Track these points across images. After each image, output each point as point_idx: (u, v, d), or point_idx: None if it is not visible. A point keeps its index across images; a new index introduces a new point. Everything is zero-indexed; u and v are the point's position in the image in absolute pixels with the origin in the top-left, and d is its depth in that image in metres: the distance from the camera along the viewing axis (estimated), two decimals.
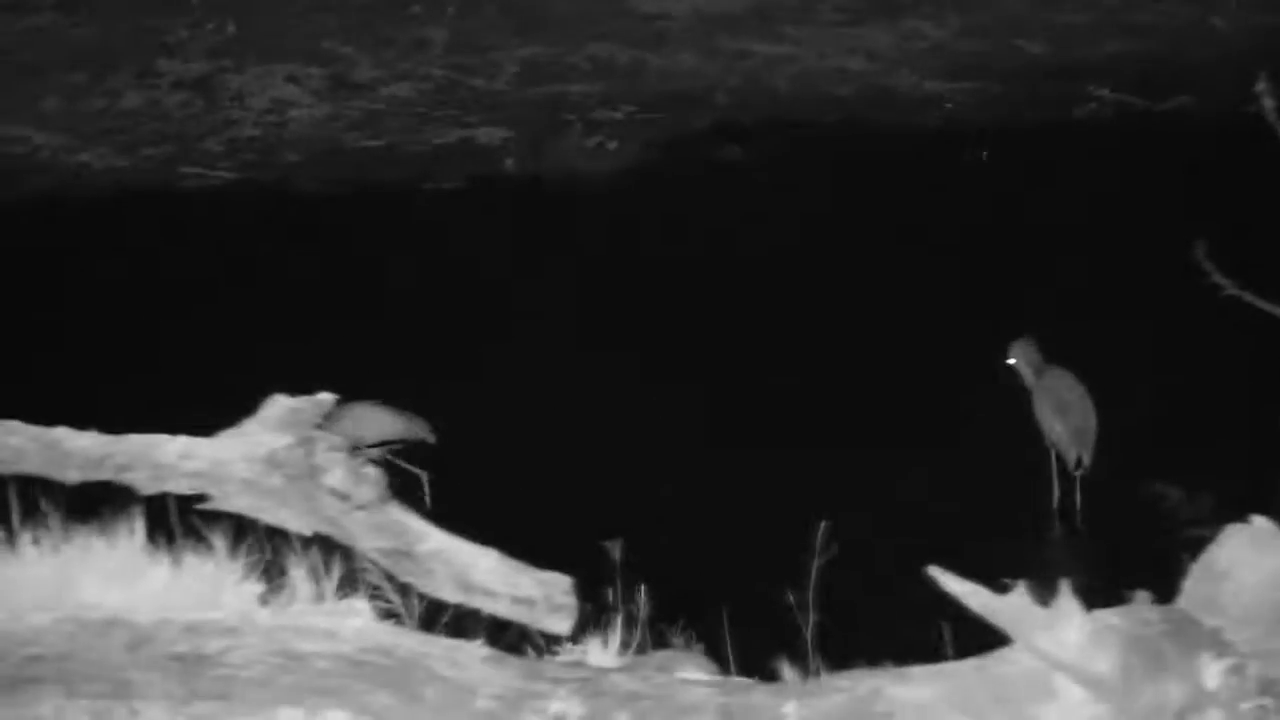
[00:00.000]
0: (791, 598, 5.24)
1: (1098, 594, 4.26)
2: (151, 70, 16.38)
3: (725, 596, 6.66)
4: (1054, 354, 10.25)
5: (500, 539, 4.88)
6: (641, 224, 13.65)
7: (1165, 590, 4.23)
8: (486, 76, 16.48)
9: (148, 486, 4.82)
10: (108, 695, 4.41)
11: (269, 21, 17.27)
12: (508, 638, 4.83)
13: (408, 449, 9.65)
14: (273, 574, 4.93)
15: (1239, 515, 4.27)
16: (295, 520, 4.79)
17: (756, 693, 4.24)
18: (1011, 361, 10.24)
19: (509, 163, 14.93)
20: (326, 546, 4.90)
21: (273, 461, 4.74)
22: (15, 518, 5.18)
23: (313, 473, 4.75)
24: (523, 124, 15.52)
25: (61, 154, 14.94)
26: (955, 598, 4.01)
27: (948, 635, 5.10)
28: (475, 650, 4.40)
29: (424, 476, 9.23)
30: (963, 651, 4.25)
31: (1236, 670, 3.88)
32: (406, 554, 4.75)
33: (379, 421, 9.57)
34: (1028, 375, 10.22)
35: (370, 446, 8.60)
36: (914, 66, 16.68)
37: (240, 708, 4.42)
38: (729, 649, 5.36)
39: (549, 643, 4.91)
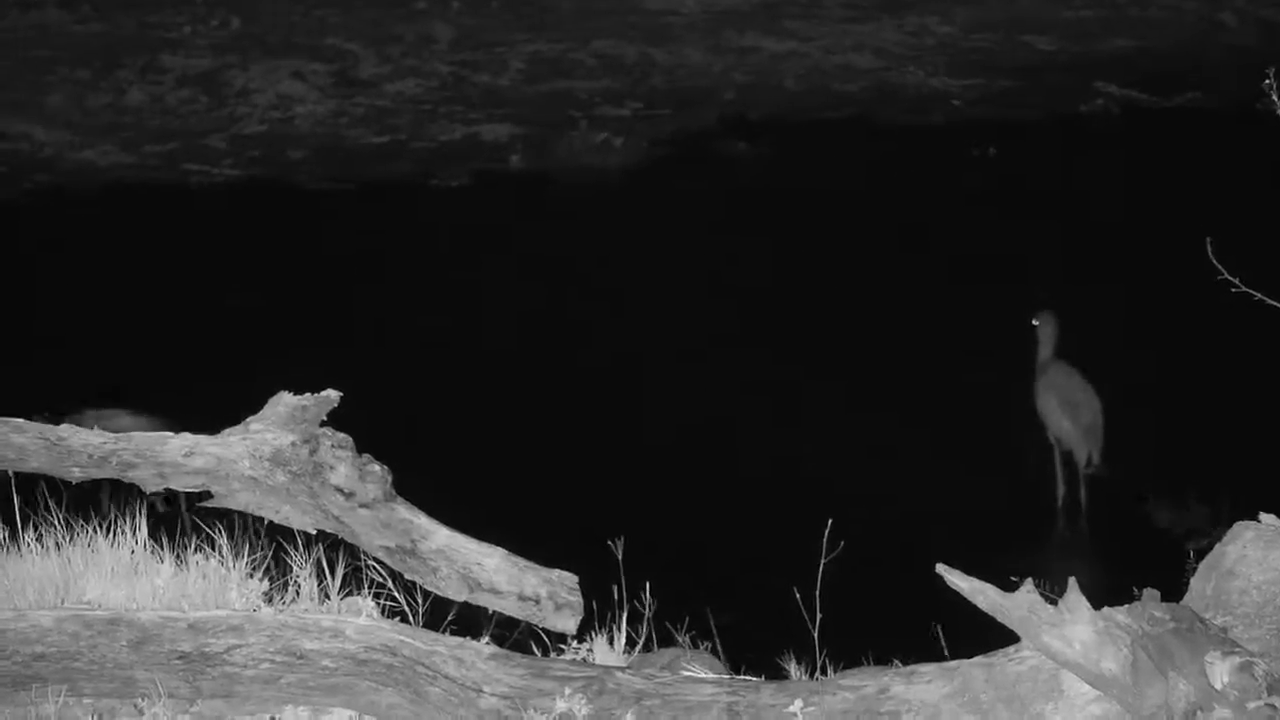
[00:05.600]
0: (798, 595, 5.22)
1: (1105, 592, 4.25)
2: (155, 66, 16.39)
3: (732, 594, 6.65)
4: (1059, 350, 10.23)
5: (506, 537, 4.87)
6: (648, 220, 13.63)
7: (1173, 588, 4.22)
8: (492, 73, 16.48)
9: (152, 484, 4.81)
10: (111, 694, 4.40)
11: (273, 18, 17.28)
12: (513, 636, 4.81)
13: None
14: (277, 572, 4.92)
15: (1244, 513, 4.25)
16: (299, 518, 4.78)
17: (763, 691, 4.23)
18: (1036, 324, 10.20)
19: (514, 159, 14.92)
20: (331, 544, 4.89)
21: (277, 459, 4.74)
22: (18, 515, 5.18)
23: (317, 470, 4.74)
24: (528, 121, 15.52)
25: (65, 150, 14.94)
26: (963, 595, 4.00)
27: (955, 634, 5.09)
28: (481, 648, 4.39)
29: None
30: (970, 649, 4.24)
31: (1245, 669, 3.87)
32: (411, 552, 4.74)
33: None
34: (1044, 347, 10.18)
35: None
36: (921, 63, 16.68)
37: (245, 706, 4.41)
38: (736, 647, 5.34)
39: (555, 641, 4.90)
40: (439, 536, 4.77)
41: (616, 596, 5.08)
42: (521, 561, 4.78)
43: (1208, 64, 16.20)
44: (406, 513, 4.78)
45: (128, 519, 5.03)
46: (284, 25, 17.18)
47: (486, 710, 4.27)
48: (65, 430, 4.85)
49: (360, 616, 4.53)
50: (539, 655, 4.65)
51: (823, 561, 5.23)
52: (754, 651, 5.25)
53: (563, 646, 4.90)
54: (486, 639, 4.59)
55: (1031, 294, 10.68)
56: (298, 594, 4.87)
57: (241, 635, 4.40)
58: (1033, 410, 10.13)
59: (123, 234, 13.41)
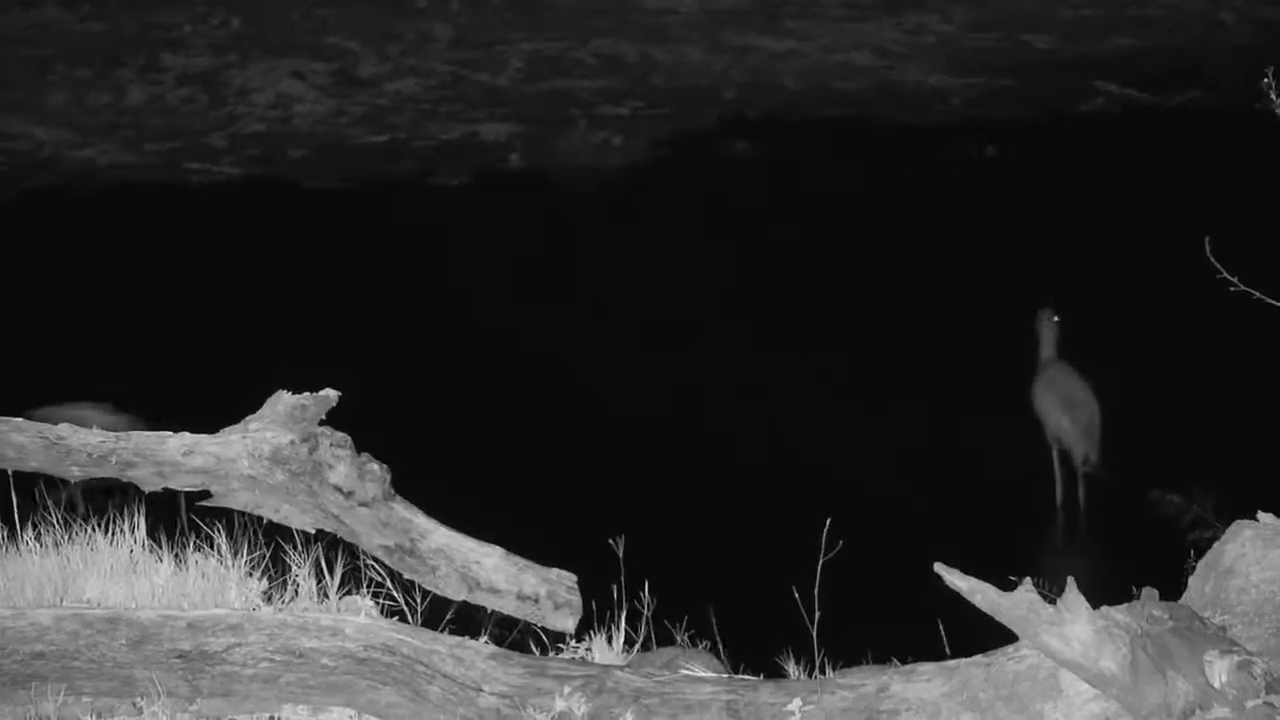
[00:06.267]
0: (797, 594, 5.22)
1: (1103, 590, 4.25)
2: (156, 65, 16.39)
3: (731, 593, 6.65)
4: (1060, 349, 10.24)
5: (505, 536, 4.87)
6: (647, 219, 13.63)
7: (1171, 587, 4.22)
8: (492, 72, 16.48)
9: (151, 483, 4.81)
10: (110, 693, 4.40)
11: (273, 17, 17.28)
12: (512, 635, 4.81)
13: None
14: (276, 571, 4.92)
15: (1245, 513, 4.25)
16: (299, 517, 4.78)
17: (762, 690, 4.23)
18: (1040, 323, 10.21)
19: (514, 159, 14.92)
20: (330, 543, 4.89)
21: (276, 458, 4.73)
22: (17, 514, 5.18)
23: (316, 469, 4.74)
24: (528, 120, 15.51)
25: (65, 150, 14.94)
26: (962, 595, 4.00)
27: (954, 633, 5.09)
28: (480, 647, 4.39)
29: None
30: (969, 648, 4.24)
31: (1243, 667, 3.87)
32: (410, 551, 4.74)
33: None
34: (1045, 347, 10.19)
35: None
36: (921, 62, 16.67)
37: (244, 705, 4.41)
38: (734, 646, 5.35)
39: (554, 640, 4.90)
40: (438, 535, 4.77)
41: (615, 595, 5.08)
42: (520, 561, 4.78)
43: (1207, 63, 16.20)
44: (405, 512, 4.78)
45: (126, 518, 5.03)
46: (284, 24, 17.18)
47: (486, 709, 4.27)
48: (64, 430, 4.85)
49: (359, 615, 4.53)
50: (538, 654, 4.65)
51: (821, 560, 5.23)
52: (753, 650, 5.25)
53: (561, 645, 4.90)
54: (485, 638, 4.59)
55: (1032, 294, 10.69)
56: (296, 593, 4.87)
57: (240, 634, 4.40)
58: (1032, 409, 10.13)
59: (123, 233, 13.41)
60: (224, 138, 15.23)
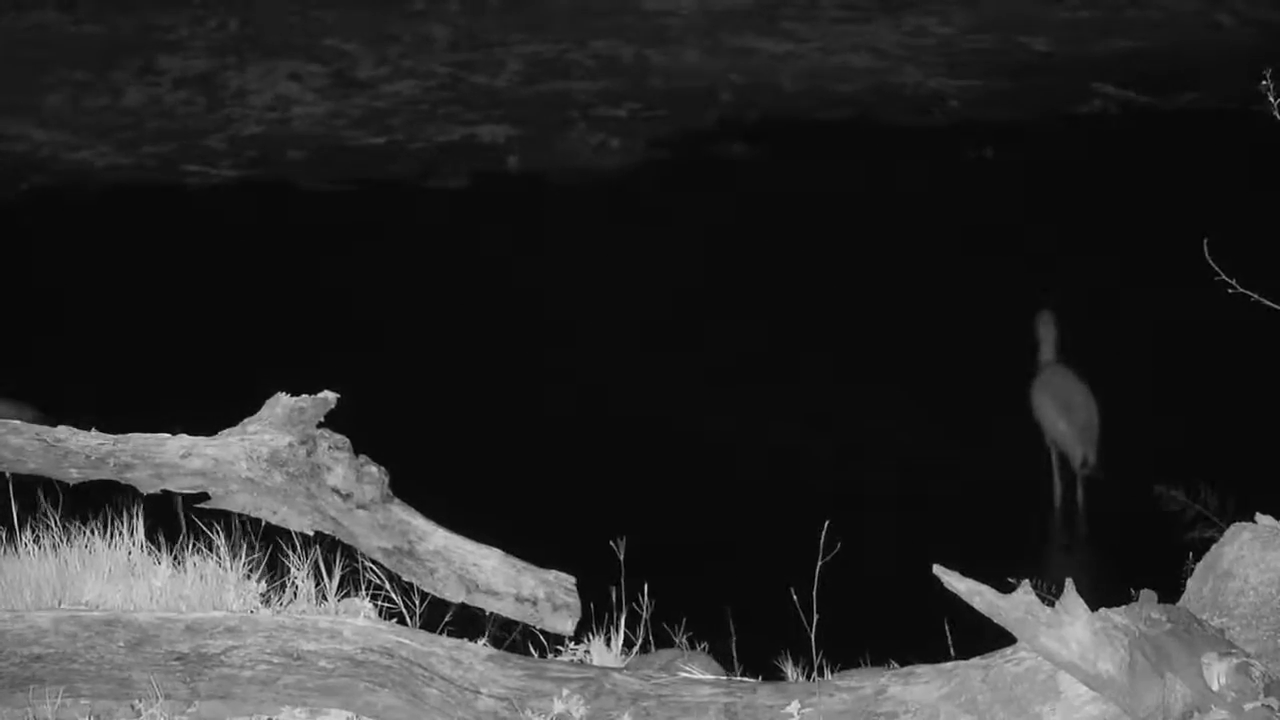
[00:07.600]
0: (795, 597, 5.22)
1: (1102, 593, 4.25)
2: (153, 68, 16.39)
3: (729, 595, 6.65)
4: (1060, 350, 10.24)
5: (504, 538, 4.87)
6: (645, 221, 13.63)
7: (1170, 589, 4.22)
8: (490, 74, 16.47)
9: (149, 485, 4.81)
10: (109, 695, 4.40)
11: (271, 18, 17.28)
12: (511, 636, 4.81)
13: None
14: (274, 573, 4.93)
15: (1244, 514, 4.25)
16: (297, 519, 4.78)
17: (760, 692, 4.23)
18: (1039, 325, 10.21)
19: (512, 160, 14.92)
20: (329, 545, 4.89)
21: (275, 460, 4.73)
22: (16, 517, 5.18)
23: (314, 471, 4.74)
24: (526, 122, 15.51)
25: (63, 152, 14.94)
26: (960, 597, 4.00)
27: (953, 635, 5.09)
28: (478, 649, 4.39)
29: None
30: (967, 650, 4.24)
31: (1241, 669, 3.87)
32: (409, 553, 4.74)
33: None
34: (1045, 348, 10.19)
35: None
36: (919, 63, 16.67)
37: (242, 707, 4.41)
38: (733, 648, 5.35)
39: (552, 642, 4.90)
40: (436, 538, 4.77)
41: (614, 597, 5.08)
42: (519, 563, 4.78)
43: (1205, 65, 16.20)
44: (404, 514, 4.78)
45: (124, 520, 5.03)
46: (281, 26, 17.18)
47: (484, 711, 4.27)
48: (63, 432, 4.85)
49: (358, 618, 4.53)
50: (536, 656, 4.65)
51: (820, 562, 5.23)
52: (751, 652, 5.25)
53: (560, 647, 4.89)
54: (484, 640, 4.59)
55: (1031, 295, 10.69)
56: (295, 595, 4.87)
57: (239, 636, 4.40)
58: (1031, 411, 10.13)
59: (120, 235, 13.41)
60: (221, 140, 15.23)
